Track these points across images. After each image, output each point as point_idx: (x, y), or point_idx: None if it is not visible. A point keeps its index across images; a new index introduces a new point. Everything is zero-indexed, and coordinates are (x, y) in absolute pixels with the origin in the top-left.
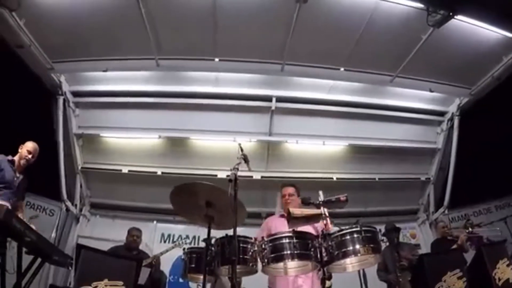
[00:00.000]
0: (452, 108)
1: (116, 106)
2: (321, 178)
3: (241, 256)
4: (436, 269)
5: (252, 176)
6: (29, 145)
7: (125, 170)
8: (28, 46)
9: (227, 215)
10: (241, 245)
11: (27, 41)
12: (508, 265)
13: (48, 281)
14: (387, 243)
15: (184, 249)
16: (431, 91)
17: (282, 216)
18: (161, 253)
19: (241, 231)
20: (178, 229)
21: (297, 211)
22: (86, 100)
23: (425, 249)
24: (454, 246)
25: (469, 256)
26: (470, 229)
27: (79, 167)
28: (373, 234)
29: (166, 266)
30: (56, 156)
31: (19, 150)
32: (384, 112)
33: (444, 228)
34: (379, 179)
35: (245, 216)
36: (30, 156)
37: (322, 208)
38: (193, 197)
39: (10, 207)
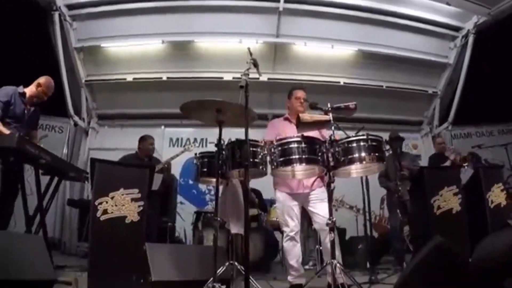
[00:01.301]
0: (469, 25)
1: (114, 14)
2: (328, 82)
3: (251, 160)
4: (434, 182)
5: (258, 78)
6: (46, 85)
7: (129, 78)
8: None
9: (237, 119)
10: (251, 148)
11: None
12: (502, 190)
13: (66, 196)
14: (390, 152)
15: (195, 154)
16: (448, 4)
17: (286, 119)
18: (172, 158)
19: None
20: (186, 132)
21: (306, 116)
22: (82, 12)
23: (425, 160)
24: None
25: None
26: (465, 163)
27: (83, 81)
28: (379, 143)
29: (176, 170)
30: (58, 73)
31: (34, 87)
32: (398, 20)
33: (440, 144)
34: (386, 87)
35: (254, 120)
36: (46, 97)
37: (330, 114)
38: (203, 109)
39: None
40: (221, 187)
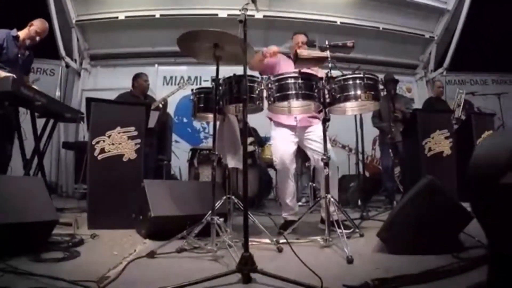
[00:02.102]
0: None
1: None
2: (325, 21)
3: (248, 95)
4: (427, 125)
5: (253, 15)
6: (39, 25)
7: (121, 16)
8: None
9: (235, 54)
10: (248, 84)
11: None
12: None
13: (61, 139)
14: (385, 93)
15: (192, 89)
16: None
17: (289, 57)
18: (168, 96)
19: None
20: (180, 70)
21: (304, 52)
22: None
23: (418, 104)
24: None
25: None
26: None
27: (74, 21)
28: (375, 82)
29: (170, 109)
30: (48, 14)
31: (28, 29)
32: None
33: (440, 88)
34: (383, 28)
35: (253, 56)
36: (38, 38)
37: (328, 51)
38: (200, 42)
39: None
40: (218, 123)
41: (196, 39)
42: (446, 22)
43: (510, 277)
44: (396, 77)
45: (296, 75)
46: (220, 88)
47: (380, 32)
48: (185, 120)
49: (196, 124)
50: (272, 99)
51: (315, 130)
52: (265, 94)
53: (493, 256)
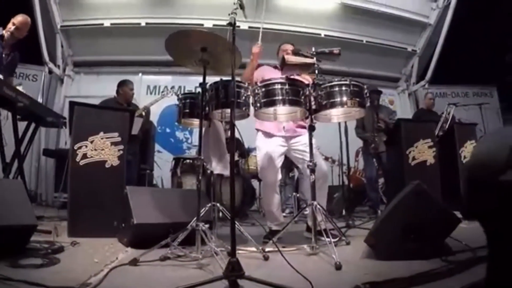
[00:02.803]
0: None
1: None
2: (309, 33)
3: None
4: (410, 134)
5: (239, 26)
6: (18, 18)
7: (107, 23)
8: None
9: (222, 60)
10: (235, 89)
11: None
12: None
13: (41, 146)
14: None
15: (178, 95)
16: None
17: (275, 67)
18: (151, 104)
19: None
20: (163, 80)
21: (291, 58)
22: None
23: (400, 116)
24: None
25: None
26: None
27: (58, 26)
28: (360, 89)
29: (153, 118)
30: (33, 18)
31: (9, 25)
32: None
33: (431, 100)
34: (366, 41)
35: (240, 62)
36: (13, 28)
37: (315, 58)
38: (188, 44)
39: None
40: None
41: (184, 41)
42: (428, 35)
43: (509, 275)
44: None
45: (283, 81)
46: (207, 93)
47: (364, 45)
48: (168, 130)
49: (179, 134)
50: (258, 105)
51: (302, 140)
52: (251, 100)
53: (492, 255)
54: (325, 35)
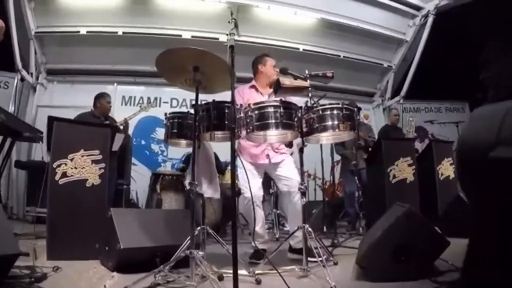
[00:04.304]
0: (430, 6)
1: None
2: (288, 47)
3: (226, 122)
4: (391, 153)
5: (218, 39)
6: None
7: (83, 31)
8: None
9: (214, 79)
10: (226, 111)
11: None
12: (451, 164)
13: (12, 158)
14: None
15: (165, 113)
16: None
17: (252, 87)
18: (129, 118)
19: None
20: (139, 91)
21: (286, 81)
22: None
23: (376, 131)
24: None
25: None
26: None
27: (33, 32)
28: (352, 112)
29: (129, 129)
30: (6, 23)
31: None
32: None
33: (396, 116)
34: (343, 57)
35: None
36: None
37: (308, 81)
38: (179, 62)
39: None
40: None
41: (175, 59)
42: (404, 52)
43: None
44: None
45: (278, 103)
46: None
47: (341, 60)
48: (143, 142)
49: (155, 147)
50: (251, 127)
51: (286, 164)
52: (242, 122)
53: (477, 235)
54: (303, 49)
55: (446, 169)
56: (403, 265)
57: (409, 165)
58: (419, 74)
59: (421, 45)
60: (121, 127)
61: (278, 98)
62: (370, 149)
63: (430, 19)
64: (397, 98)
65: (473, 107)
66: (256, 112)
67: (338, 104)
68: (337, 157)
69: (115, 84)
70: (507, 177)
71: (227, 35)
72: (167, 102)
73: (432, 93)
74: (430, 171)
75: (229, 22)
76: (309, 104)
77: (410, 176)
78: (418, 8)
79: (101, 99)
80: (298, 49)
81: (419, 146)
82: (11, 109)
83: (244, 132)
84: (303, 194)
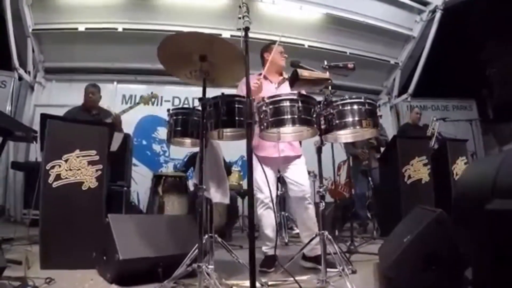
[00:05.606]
0: (437, 1)
1: None
2: (293, 43)
3: (236, 119)
4: (406, 152)
5: (221, 35)
6: None
7: (81, 28)
8: None
9: (224, 70)
10: (236, 105)
11: None
12: (465, 163)
13: (9, 158)
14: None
15: (168, 110)
16: None
17: (260, 75)
18: (123, 111)
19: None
20: (139, 89)
21: (305, 72)
22: None
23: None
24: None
25: None
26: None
27: (30, 30)
28: (374, 107)
29: (129, 130)
30: (3, 21)
31: None
32: None
33: (417, 114)
34: (350, 53)
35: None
36: None
37: (327, 72)
38: (184, 51)
39: None
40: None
41: (179, 47)
42: (411, 48)
43: None
44: None
45: (295, 97)
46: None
47: (347, 57)
48: (144, 142)
49: (156, 147)
50: (265, 124)
51: (298, 165)
52: (256, 118)
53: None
54: (308, 46)
55: (461, 168)
56: (434, 275)
57: (424, 164)
58: (426, 71)
59: (429, 41)
60: (112, 121)
61: (295, 91)
62: (382, 148)
63: (438, 15)
64: (404, 96)
65: (480, 104)
66: (271, 106)
67: (360, 98)
68: (342, 157)
69: (115, 83)
70: (503, 228)
71: (239, 18)
72: (168, 101)
73: (440, 91)
74: (444, 171)
75: (240, 6)
76: (329, 99)
77: (426, 176)
78: (426, 3)
79: (84, 92)
80: (303, 45)
81: None
82: (8, 108)
83: (257, 130)
84: (322, 197)
